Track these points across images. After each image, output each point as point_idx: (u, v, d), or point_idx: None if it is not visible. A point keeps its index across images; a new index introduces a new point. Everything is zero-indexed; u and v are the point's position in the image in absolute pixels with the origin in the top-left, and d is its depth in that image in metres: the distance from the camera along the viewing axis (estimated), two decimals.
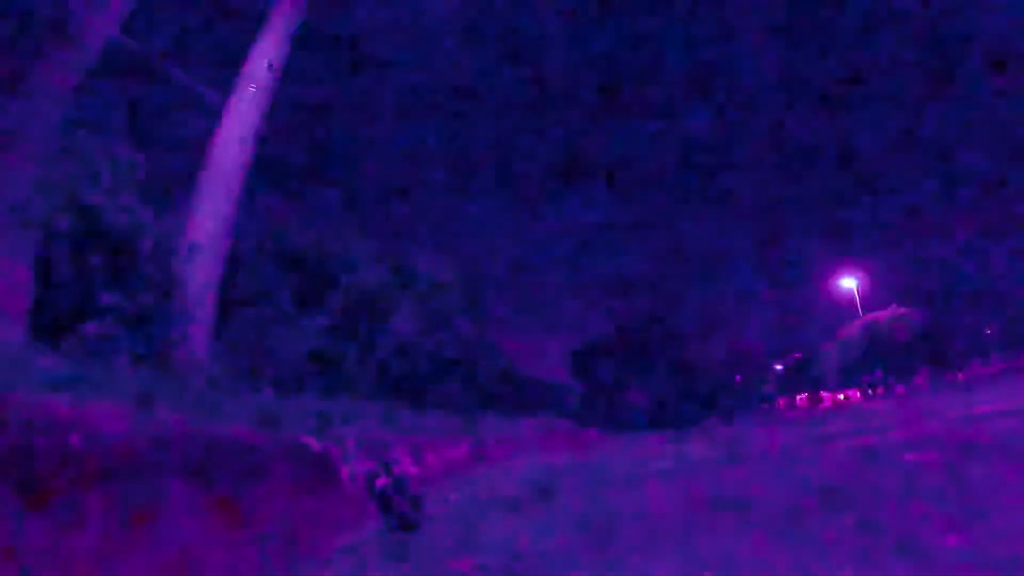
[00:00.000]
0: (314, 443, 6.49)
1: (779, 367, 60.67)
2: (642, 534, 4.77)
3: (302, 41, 13.82)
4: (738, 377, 58.27)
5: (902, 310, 45.33)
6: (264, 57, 12.73)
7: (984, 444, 6.98)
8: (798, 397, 55.18)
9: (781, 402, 56.68)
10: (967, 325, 46.34)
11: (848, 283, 48.12)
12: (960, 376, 44.26)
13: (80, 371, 5.28)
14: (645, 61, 46.81)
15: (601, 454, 18.70)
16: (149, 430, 3.71)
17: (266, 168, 15.69)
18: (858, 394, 47.54)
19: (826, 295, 51.36)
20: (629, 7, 36.19)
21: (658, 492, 7.50)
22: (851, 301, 47.61)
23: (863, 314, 46.55)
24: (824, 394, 51.10)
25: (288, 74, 13.44)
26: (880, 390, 46.22)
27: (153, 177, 9.87)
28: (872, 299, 47.51)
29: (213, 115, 12.34)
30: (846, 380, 48.62)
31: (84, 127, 9.25)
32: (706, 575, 3.50)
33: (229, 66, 12.80)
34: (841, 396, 48.80)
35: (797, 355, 57.36)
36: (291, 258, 16.87)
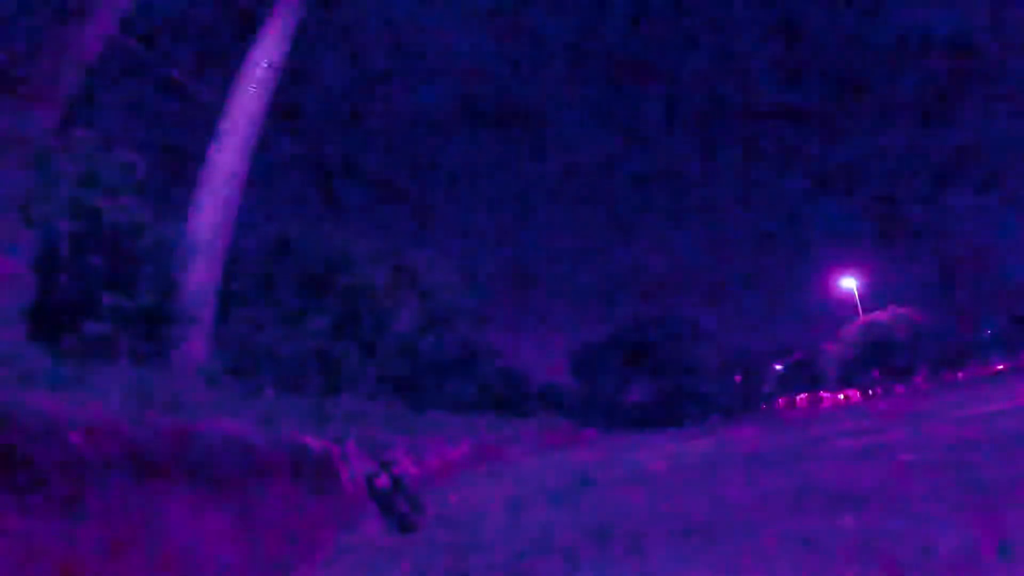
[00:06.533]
0: (314, 443, 6.49)
1: (779, 367, 60.68)
2: (642, 534, 4.77)
3: (302, 40, 13.84)
4: (738, 377, 58.31)
5: (902, 310, 45.34)
6: (264, 57, 12.75)
7: (984, 444, 6.98)
8: (798, 397, 55.22)
9: (781, 402, 56.74)
10: (967, 325, 46.34)
11: (848, 283, 48.16)
12: (960, 376, 44.29)
13: (80, 371, 5.28)
14: (641, 67, 46.86)
15: (601, 454, 18.71)
16: (149, 430, 3.71)
17: (266, 168, 15.70)
18: (858, 394, 47.58)
19: (826, 295, 51.37)
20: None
21: (658, 492, 7.50)
22: (851, 301, 47.65)
23: (863, 314, 46.56)
24: (824, 394, 51.15)
25: (288, 73, 13.46)
26: (880, 390, 46.25)
27: (153, 177, 9.89)
28: (872, 299, 47.56)
29: (213, 115, 12.36)
30: (846, 380, 48.64)
31: (84, 127, 9.25)
32: None
33: (229, 66, 12.82)
34: (841, 396, 48.84)
35: (797, 355, 57.38)
36: (291, 258, 16.87)
